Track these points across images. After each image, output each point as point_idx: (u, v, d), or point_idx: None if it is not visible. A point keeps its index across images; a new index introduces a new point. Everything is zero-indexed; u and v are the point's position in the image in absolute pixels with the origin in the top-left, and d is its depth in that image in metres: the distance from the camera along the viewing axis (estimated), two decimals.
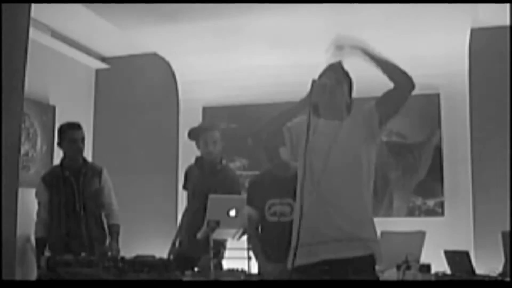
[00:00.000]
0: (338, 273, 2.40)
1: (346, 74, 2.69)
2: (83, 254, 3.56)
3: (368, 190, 2.53)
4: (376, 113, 2.54)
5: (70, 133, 4.13)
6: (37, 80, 5.41)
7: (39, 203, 4.16)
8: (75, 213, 4.04)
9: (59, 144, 4.18)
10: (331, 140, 2.51)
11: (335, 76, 2.62)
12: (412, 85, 2.51)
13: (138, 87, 6.49)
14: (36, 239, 4.14)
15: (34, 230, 4.16)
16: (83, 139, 4.16)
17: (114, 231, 4.14)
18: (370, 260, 2.47)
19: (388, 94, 2.54)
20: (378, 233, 3.11)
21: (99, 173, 4.21)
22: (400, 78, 2.49)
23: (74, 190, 4.07)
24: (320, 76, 2.67)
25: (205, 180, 4.09)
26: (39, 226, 4.13)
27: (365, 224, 2.49)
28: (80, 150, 4.14)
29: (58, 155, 5.83)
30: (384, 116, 2.55)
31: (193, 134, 4.21)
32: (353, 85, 2.70)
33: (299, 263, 2.47)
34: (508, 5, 4.58)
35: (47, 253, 3.96)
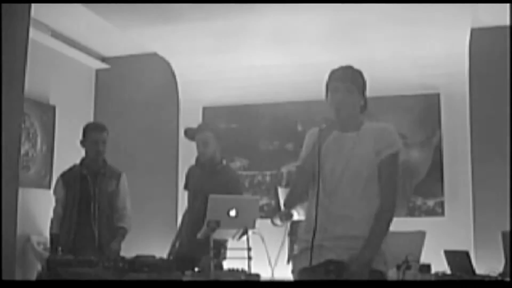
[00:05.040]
0: (341, 274, 2.39)
1: (356, 77, 2.57)
2: (91, 254, 3.56)
3: (377, 200, 2.52)
4: (378, 157, 2.48)
5: (93, 134, 4.14)
6: (37, 80, 5.41)
7: (56, 200, 4.19)
8: (88, 212, 4.05)
9: (81, 143, 4.19)
10: (348, 152, 2.48)
11: (344, 87, 2.52)
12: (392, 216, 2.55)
13: (138, 87, 6.49)
14: (51, 235, 4.16)
15: (49, 226, 4.19)
16: (104, 141, 4.17)
17: (120, 233, 4.14)
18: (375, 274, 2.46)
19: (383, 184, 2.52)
20: None
21: (117, 176, 4.21)
22: (389, 204, 2.53)
23: (90, 190, 4.08)
24: (328, 86, 2.56)
25: (206, 180, 4.09)
26: (55, 222, 4.15)
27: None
28: (101, 152, 4.15)
29: (58, 155, 5.88)
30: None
31: (189, 134, 4.23)
32: (365, 84, 2.59)
33: (303, 265, 2.47)
34: (508, 5, 4.58)
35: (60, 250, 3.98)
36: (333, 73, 2.58)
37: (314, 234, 2.40)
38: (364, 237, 2.42)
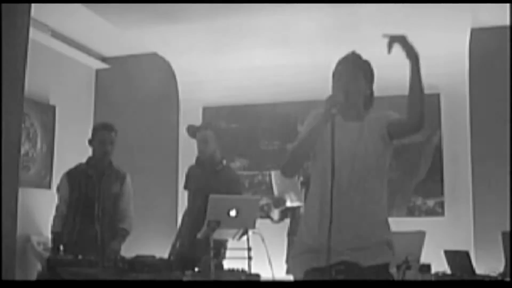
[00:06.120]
0: (353, 274, 2.35)
1: (363, 65, 2.54)
2: (93, 254, 3.55)
3: (385, 192, 2.47)
4: (386, 130, 2.45)
5: (101, 134, 4.13)
6: (37, 80, 5.41)
7: (59, 198, 4.16)
8: (92, 212, 4.04)
9: (89, 142, 4.18)
10: (354, 143, 2.41)
11: (350, 71, 2.47)
12: (422, 126, 2.44)
13: (138, 87, 6.49)
14: (53, 233, 4.12)
15: (51, 224, 4.16)
16: (112, 142, 4.16)
17: (121, 234, 4.13)
18: (386, 267, 2.45)
19: (400, 122, 2.46)
20: None
21: (122, 177, 4.21)
22: (416, 116, 2.44)
23: (95, 190, 4.07)
24: (334, 74, 2.50)
25: (206, 180, 4.10)
26: (57, 220, 4.11)
27: (386, 228, 2.46)
28: (108, 152, 4.13)
29: (58, 155, 5.88)
30: (394, 136, 2.48)
31: (190, 131, 4.24)
32: (373, 74, 2.57)
33: (318, 265, 2.36)
34: (508, 5, 4.59)
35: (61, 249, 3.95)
36: (341, 59, 2.52)
37: (330, 234, 2.26)
38: (375, 239, 2.37)
